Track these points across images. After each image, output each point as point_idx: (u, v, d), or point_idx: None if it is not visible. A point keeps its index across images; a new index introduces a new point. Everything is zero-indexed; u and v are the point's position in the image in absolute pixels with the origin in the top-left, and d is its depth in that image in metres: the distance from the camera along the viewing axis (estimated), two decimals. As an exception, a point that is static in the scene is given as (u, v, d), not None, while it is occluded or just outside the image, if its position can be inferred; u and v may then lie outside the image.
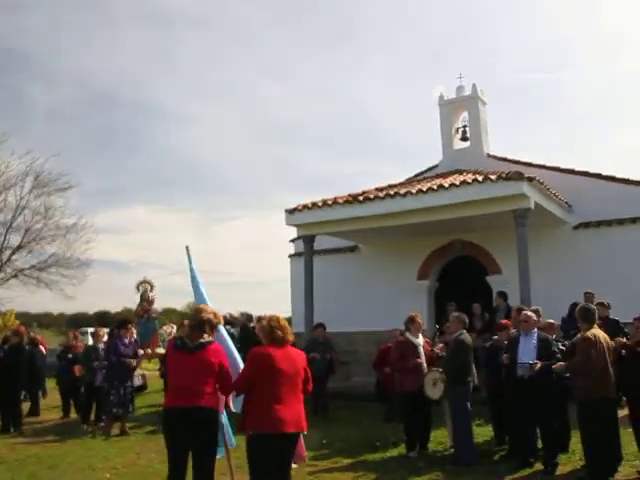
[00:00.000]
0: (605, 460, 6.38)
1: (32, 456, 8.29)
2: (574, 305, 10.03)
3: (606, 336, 6.67)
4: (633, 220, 12.94)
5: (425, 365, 8.09)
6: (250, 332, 11.22)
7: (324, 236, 14.12)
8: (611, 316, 9.79)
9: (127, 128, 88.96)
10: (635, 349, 6.92)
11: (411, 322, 8.31)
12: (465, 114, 15.52)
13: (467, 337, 7.80)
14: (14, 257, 27.90)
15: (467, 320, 8.09)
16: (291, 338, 5.13)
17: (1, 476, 7.18)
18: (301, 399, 4.96)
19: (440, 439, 8.54)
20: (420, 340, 8.31)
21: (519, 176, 10.78)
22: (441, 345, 8.91)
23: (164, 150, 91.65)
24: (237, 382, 5.03)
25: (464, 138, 15.46)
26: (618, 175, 13.48)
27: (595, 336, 6.48)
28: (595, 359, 6.35)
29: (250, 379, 4.84)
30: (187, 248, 6.38)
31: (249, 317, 13.38)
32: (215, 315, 5.32)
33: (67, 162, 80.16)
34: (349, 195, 12.75)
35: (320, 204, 12.84)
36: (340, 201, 12.62)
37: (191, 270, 6.30)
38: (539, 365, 6.83)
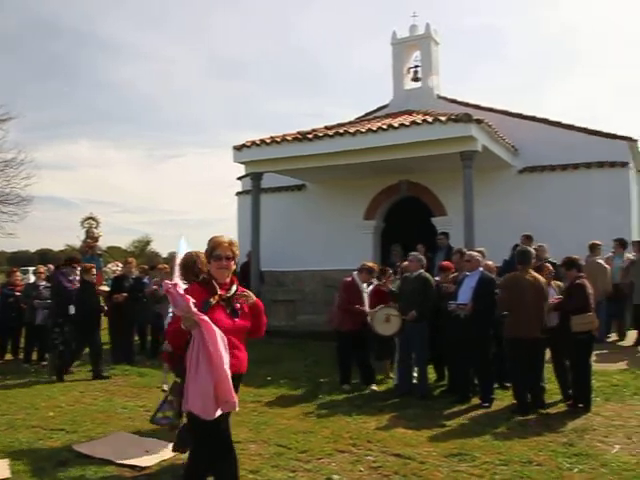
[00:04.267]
0: (528, 395, 6.82)
1: (-28, 396, 8.13)
2: (516, 247, 10.27)
3: (539, 277, 6.94)
4: (575, 166, 13.18)
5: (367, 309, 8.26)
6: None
7: (272, 174, 13.98)
8: (550, 259, 10.03)
9: (69, 59, 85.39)
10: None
11: (361, 270, 8.51)
12: (417, 54, 15.35)
13: (429, 275, 7.95)
14: (-49, 192, 26.84)
15: (425, 260, 8.23)
16: None
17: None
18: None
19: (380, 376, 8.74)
20: (366, 286, 8.45)
21: (468, 118, 10.80)
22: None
23: (108, 84, 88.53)
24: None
25: (415, 78, 15.33)
26: (564, 122, 13.64)
27: (517, 277, 6.86)
28: (515, 299, 6.70)
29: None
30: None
31: None
32: None
33: (3, 93, 76.63)
34: (298, 133, 12.60)
35: (268, 141, 12.67)
36: (289, 138, 12.48)
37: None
38: (468, 307, 7.09)
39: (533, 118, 13.83)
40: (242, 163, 13.38)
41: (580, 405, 6.76)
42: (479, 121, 11.03)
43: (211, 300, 3.87)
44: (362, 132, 11.70)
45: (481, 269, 7.40)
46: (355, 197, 15.05)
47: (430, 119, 11.20)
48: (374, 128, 11.63)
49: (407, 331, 7.75)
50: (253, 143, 12.82)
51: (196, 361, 3.71)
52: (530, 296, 6.71)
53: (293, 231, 15.33)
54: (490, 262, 8.17)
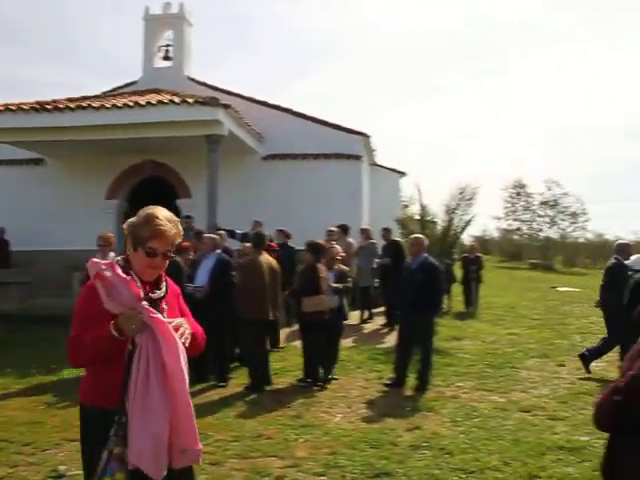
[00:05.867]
0: (262, 373, 7.18)
1: None
2: (245, 234, 10.67)
3: (273, 260, 7.31)
4: (316, 156, 14.03)
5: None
6: None
7: (6, 145, 12.86)
8: (289, 244, 10.56)
9: None
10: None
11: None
12: (170, 33, 15.10)
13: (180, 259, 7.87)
14: None
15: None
16: None
17: None
18: None
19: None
20: (107, 261, 8.12)
21: (215, 102, 10.92)
22: None
23: None
24: None
25: (166, 57, 15.11)
26: (307, 113, 14.41)
27: (253, 260, 7.15)
28: (250, 282, 6.99)
29: None
30: None
31: None
32: None
33: None
34: (37, 102, 11.73)
35: (2, 109, 11.61)
36: (25, 107, 11.56)
37: None
38: (204, 289, 7.25)
39: (277, 107, 14.42)
40: (-31, 131, 12.10)
41: (308, 380, 7.28)
42: (226, 106, 11.21)
43: None
44: (107, 107, 11.25)
45: (218, 251, 7.56)
46: (98, 175, 14.44)
47: (177, 100, 11.14)
48: (119, 104, 11.26)
49: None
50: (-18, 110, 11.66)
51: (145, 383, 2.40)
52: (266, 279, 7.02)
53: (30, 208, 14.27)
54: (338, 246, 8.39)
